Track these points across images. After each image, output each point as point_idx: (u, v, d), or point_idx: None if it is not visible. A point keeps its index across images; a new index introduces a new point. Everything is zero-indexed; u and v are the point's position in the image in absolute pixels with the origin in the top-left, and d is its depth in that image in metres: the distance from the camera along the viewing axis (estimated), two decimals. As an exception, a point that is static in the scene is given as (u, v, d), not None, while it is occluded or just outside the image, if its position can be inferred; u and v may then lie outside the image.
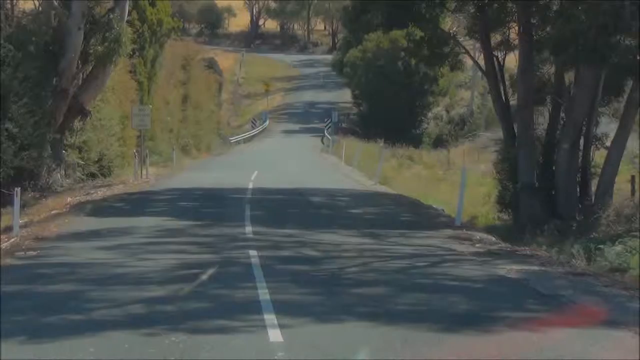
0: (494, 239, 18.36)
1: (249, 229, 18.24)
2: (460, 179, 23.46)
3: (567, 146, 21.88)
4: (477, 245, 16.98)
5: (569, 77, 23.53)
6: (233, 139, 67.82)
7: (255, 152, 57.77)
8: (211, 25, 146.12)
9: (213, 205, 23.43)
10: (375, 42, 78.69)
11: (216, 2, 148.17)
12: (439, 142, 79.14)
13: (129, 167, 35.49)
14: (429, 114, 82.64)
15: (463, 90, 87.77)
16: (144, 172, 33.80)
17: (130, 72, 37.90)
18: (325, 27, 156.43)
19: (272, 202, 25.33)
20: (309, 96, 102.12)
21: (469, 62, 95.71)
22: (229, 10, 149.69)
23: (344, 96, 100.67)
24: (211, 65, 70.38)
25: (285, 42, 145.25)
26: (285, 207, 23.92)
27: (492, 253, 15.89)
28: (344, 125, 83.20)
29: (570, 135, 22.01)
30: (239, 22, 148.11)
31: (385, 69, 78.22)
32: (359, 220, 21.16)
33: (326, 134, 73.35)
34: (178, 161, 45.48)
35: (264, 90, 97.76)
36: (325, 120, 78.06)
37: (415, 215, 23.19)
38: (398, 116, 78.54)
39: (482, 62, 26.92)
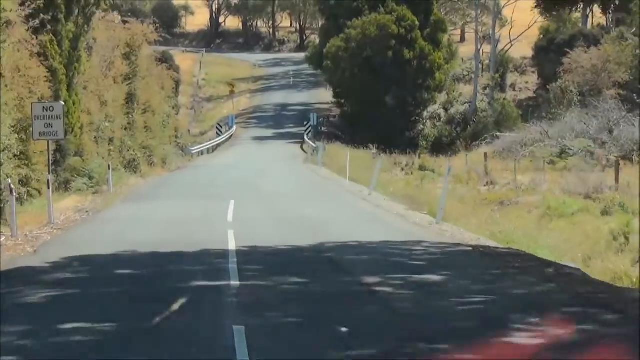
0: None
1: None
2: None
3: None
4: None
5: None
6: (194, 149, 55.13)
7: (223, 165, 45.24)
8: (167, 24, 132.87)
9: (146, 337, 10.14)
10: (361, 30, 66.39)
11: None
12: (438, 146, 67.10)
13: (36, 201, 22.95)
14: (425, 113, 70.48)
15: (461, 84, 75.69)
16: (58, 209, 21.02)
17: (39, 55, 25.30)
18: (291, 24, 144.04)
19: (299, 307, 10.86)
20: (279, 97, 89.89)
21: (465, 51, 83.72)
22: (186, 8, 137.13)
23: (320, 96, 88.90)
24: (165, 58, 57.77)
25: (248, 40, 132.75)
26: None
27: None
28: (323, 129, 70.84)
29: None
30: (198, 20, 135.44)
31: (373, 60, 66.08)
32: None
33: (307, 139, 60.93)
34: (119, 183, 32.96)
35: (228, 92, 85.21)
36: (305, 124, 65.46)
37: (586, 303, 10.76)
38: (389, 117, 66.56)
39: None
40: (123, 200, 25.75)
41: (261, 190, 27.85)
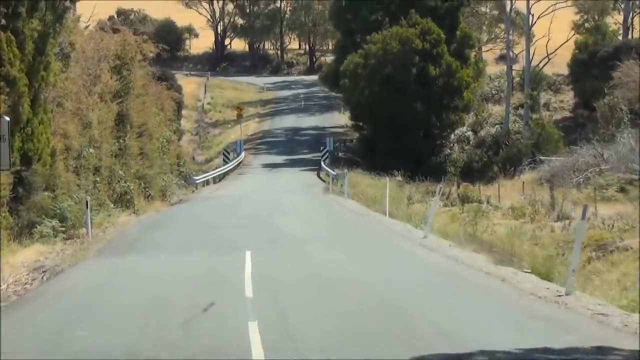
0: None
1: None
2: None
3: None
4: None
5: None
6: (199, 179, 48.73)
7: (232, 198, 38.88)
8: (170, 47, 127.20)
9: None
10: (381, 45, 60.14)
11: (175, 22, 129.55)
12: (468, 172, 60.64)
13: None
14: (452, 136, 64.10)
15: (489, 104, 69.33)
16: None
17: (-11, 58, 19.01)
18: (300, 45, 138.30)
19: None
20: (290, 121, 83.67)
21: (492, 69, 77.35)
22: (190, 30, 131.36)
23: (334, 119, 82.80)
24: (165, 77, 51.53)
25: (255, 63, 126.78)
26: None
27: None
28: (340, 154, 64.48)
29: None
30: (202, 43, 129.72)
31: (394, 78, 59.76)
32: None
33: (324, 166, 54.52)
34: (105, 223, 26.71)
35: (236, 116, 78.90)
36: (321, 149, 59.06)
37: None
38: (412, 140, 60.21)
39: None
40: (100, 252, 19.24)
41: (283, 234, 21.41)
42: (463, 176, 60.25)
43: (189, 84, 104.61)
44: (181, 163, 51.74)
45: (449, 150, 63.51)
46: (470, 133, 64.01)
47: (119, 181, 32.94)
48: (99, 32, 33.49)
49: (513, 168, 51.07)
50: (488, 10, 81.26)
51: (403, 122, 59.43)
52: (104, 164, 31.09)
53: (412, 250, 18.49)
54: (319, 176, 54.75)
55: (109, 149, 32.08)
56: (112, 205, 31.05)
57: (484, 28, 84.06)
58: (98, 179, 30.56)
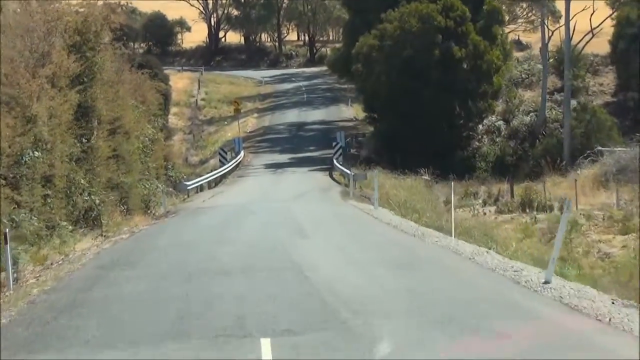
0: None
1: None
2: None
3: None
4: None
5: None
6: (191, 184, 40.70)
7: (232, 209, 30.91)
8: (161, 41, 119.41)
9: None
10: (399, 23, 52.18)
11: (166, 15, 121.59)
12: (500, 167, 52.74)
13: None
14: (480, 127, 56.14)
15: (519, 90, 61.29)
16: None
17: None
18: (298, 37, 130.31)
19: None
20: (293, 116, 75.87)
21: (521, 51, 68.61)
22: (182, 24, 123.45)
23: (340, 113, 75.06)
24: (149, 64, 43.54)
25: (252, 56, 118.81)
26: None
27: None
28: (353, 151, 56.53)
29: None
30: (195, 37, 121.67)
31: (415, 61, 51.77)
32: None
33: (337, 164, 46.58)
34: (52, 255, 18.95)
35: (232, 111, 70.80)
36: (334, 145, 51.03)
37: None
38: (436, 132, 52.29)
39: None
40: (5, 334, 11.10)
41: (315, 283, 13.10)
42: (495, 171, 52.48)
43: (182, 79, 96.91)
44: (169, 166, 43.76)
45: (477, 143, 55.57)
46: (501, 123, 56.03)
47: (80, 193, 24.95)
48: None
49: (564, 162, 43.10)
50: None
51: (425, 112, 51.57)
52: (57, 172, 23.11)
53: (568, 326, 10.37)
54: (331, 177, 46.87)
55: (65, 152, 24.12)
56: (70, 228, 23.12)
57: (504, 7, 75.89)
58: (49, 192, 22.61)
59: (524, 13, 75.26)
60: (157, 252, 18.88)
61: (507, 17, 75.24)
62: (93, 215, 25.33)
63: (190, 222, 27.00)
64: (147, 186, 34.36)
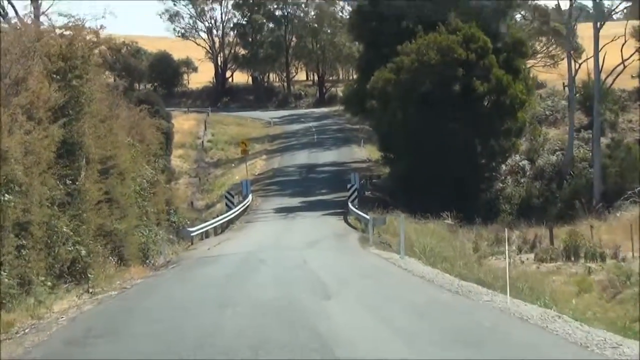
0: None
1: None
2: None
3: None
4: None
5: None
6: (195, 230, 37.22)
7: (239, 258, 27.40)
8: (167, 82, 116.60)
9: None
10: (416, 56, 48.97)
11: (171, 54, 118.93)
12: (526, 210, 49.36)
13: None
14: (503, 167, 52.68)
15: (543, 127, 57.83)
16: None
17: None
18: (307, 76, 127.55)
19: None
20: (303, 158, 72.57)
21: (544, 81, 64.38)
22: (188, 64, 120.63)
23: (352, 154, 71.82)
24: (149, 99, 40.30)
25: (260, 96, 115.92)
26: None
27: None
28: (367, 193, 53.02)
29: None
30: (202, 77, 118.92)
31: (433, 96, 48.52)
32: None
33: (352, 208, 43.11)
34: (32, 314, 15.58)
35: (240, 152, 67.51)
36: (348, 187, 47.54)
37: None
38: (456, 173, 48.85)
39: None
40: None
41: None
42: (520, 215, 49.07)
43: (188, 120, 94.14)
44: (172, 211, 40.30)
45: (500, 184, 52.04)
46: (525, 162, 52.49)
47: (64, 243, 21.46)
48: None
49: (599, 204, 39.57)
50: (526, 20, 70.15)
51: (444, 151, 48.18)
52: (35, 219, 19.65)
53: None
54: (346, 221, 43.36)
55: (45, 195, 20.66)
56: (49, 284, 19.63)
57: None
58: (25, 242, 19.14)
59: (544, 48, 72.02)
60: (146, 317, 15.34)
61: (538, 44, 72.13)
62: (77, 269, 21.79)
63: (191, 275, 23.45)
64: (145, 233, 30.89)
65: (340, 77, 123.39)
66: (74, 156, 23.46)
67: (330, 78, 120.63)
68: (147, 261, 30.52)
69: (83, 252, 21.49)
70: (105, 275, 24.43)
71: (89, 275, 21.39)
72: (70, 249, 21.66)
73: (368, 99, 51.13)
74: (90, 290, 20.92)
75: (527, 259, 29.14)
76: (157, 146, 38.65)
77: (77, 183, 23.43)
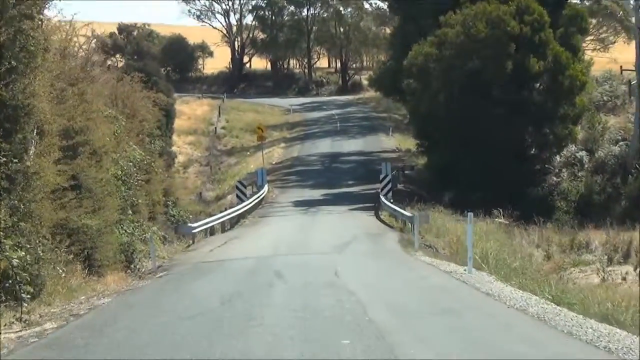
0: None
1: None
2: None
3: None
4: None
5: None
6: (197, 227, 30.42)
7: (248, 266, 20.78)
8: (180, 67, 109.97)
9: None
10: (462, 28, 42.06)
11: (186, 38, 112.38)
12: (585, 208, 42.48)
13: None
14: (558, 159, 45.74)
15: (601, 114, 50.72)
16: None
17: None
18: (329, 63, 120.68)
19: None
20: (325, 146, 65.88)
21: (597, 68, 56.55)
22: (203, 48, 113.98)
23: (379, 143, 65.24)
24: (146, 69, 33.65)
25: (279, 83, 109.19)
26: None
27: None
28: (400, 186, 46.15)
29: None
30: (217, 63, 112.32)
31: (481, 76, 41.66)
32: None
33: (385, 202, 36.40)
34: None
35: (256, 139, 60.83)
36: (381, 178, 40.68)
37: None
38: (504, 164, 42.02)
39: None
40: None
41: None
42: (578, 213, 42.19)
43: (201, 106, 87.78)
44: (170, 202, 33.57)
45: (554, 178, 45.06)
46: (583, 153, 45.45)
47: (-5, 252, 14.78)
48: None
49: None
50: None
51: (491, 139, 41.40)
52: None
53: None
54: (378, 218, 36.63)
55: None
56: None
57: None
58: None
59: (595, 30, 65.01)
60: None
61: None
62: (13, 286, 15.09)
63: (175, 296, 16.62)
64: (129, 231, 24.18)
65: (365, 64, 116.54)
66: (17, 125, 16.76)
67: (354, 65, 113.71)
68: (132, 266, 23.89)
69: (16, 262, 14.75)
70: (67, 289, 17.89)
71: (23, 294, 14.64)
72: (6, 254, 14.98)
73: (404, 78, 44.19)
74: (23, 316, 14.26)
75: (627, 272, 22.24)
76: (153, 124, 31.97)
77: (21, 162, 16.75)
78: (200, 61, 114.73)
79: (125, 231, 23.77)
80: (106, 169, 22.42)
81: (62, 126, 19.31)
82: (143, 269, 23.86)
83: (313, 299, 14.14)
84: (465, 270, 18.68)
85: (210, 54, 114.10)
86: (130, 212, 24.80)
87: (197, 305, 14.25)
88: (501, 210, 36.89)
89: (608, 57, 65.35)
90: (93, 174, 21.19)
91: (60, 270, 18.21)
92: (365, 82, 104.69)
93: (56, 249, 18.44)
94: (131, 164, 25.11)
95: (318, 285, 16.16)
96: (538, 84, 43.79)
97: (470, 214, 18.73)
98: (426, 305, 13.31)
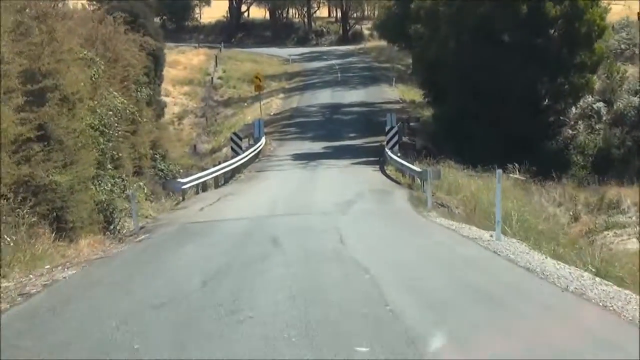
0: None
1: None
2: None
3: None
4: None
5: None
6: (187, 182, 27.81)
7: (240, 229, 18.22)
8: (177, 15, 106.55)
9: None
10: (474, -31, 39.12)
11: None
12: (603, 164, 39.98)
13: None
14: (573, 110, 43.08)
15: (618, 64, 47.89)
16: None
17: None
18: (330, 13, 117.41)
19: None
20: (325, 97, 63.12)
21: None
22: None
23: (382, 94, 62.60)
24: (133, 10, 30.92)
25: (278, 33, 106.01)
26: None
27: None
28: (405, 138, 43.50)
29: None
30: (215, 12, 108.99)
31: (493, 20, 38.89)
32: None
33: (391, 156, 33.87)
34: None
35: (254, 89, 57.99)
36: (387, 130, 38.06)
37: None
38: (515, 116, 39.44)
39: None
40: None
41: None
42: (595, 168, 39.73)
43: (197, 55, 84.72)
44: (158, 156, 30.95)
45: (570, 131, 42.43)
46: (600, 105, 42.76)
47: None
48: None
49: None
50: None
51: (503, 89, 38.79)
52: None
53: None
54: (384, 173, 34.07)
55: None
56: None
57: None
58: None
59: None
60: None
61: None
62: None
63: (151, 267, 14.02)
64: (108, 187, 21.58)
65: (366, 13, 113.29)
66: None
67: (355, 15, 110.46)
68: (112, 227, 21.34)
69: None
70: (30, 256, 15.36)
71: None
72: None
73: (410, 23, 41.35)
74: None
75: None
76: (140, 71, 29.21)
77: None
78: (197, 10, 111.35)
79: (104, 188, 21.16)
80: (80, 118, 19.74)
81: (23, 68, 16.65)
82: (124, 230, 21.37)
83: (316, 279, 11.52)
84: (491, 235, 16.14)
85: (208, 2, 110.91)
86: (110, 166, 22.18)
87: (172, 285, 11.61)
88: (517, 165, 34.35)
89: (623, 4, 62.51)
90: (64, 124, 18.53)
91: (22, 236, 15.72)
92: (366, 32, 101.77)
93: (18, 210, 15.92)
94: (111, 113, 22.42)
95: (321, 256, 13.60)
96: (553, 30, 40.97)
97: (499, 171, 16.10)
98: (458, 288, 10.67)
